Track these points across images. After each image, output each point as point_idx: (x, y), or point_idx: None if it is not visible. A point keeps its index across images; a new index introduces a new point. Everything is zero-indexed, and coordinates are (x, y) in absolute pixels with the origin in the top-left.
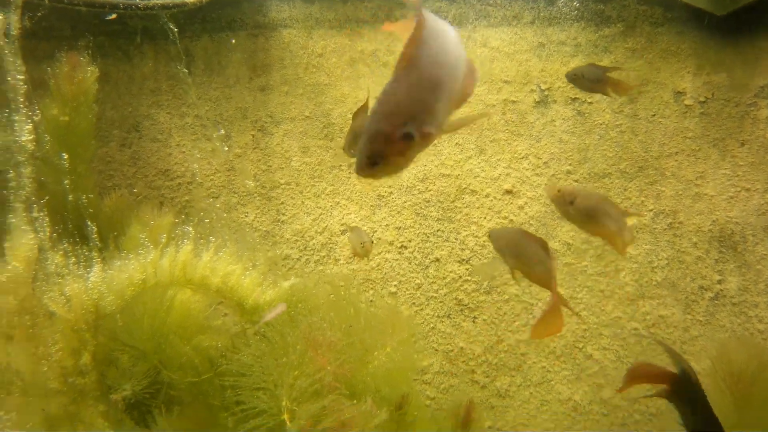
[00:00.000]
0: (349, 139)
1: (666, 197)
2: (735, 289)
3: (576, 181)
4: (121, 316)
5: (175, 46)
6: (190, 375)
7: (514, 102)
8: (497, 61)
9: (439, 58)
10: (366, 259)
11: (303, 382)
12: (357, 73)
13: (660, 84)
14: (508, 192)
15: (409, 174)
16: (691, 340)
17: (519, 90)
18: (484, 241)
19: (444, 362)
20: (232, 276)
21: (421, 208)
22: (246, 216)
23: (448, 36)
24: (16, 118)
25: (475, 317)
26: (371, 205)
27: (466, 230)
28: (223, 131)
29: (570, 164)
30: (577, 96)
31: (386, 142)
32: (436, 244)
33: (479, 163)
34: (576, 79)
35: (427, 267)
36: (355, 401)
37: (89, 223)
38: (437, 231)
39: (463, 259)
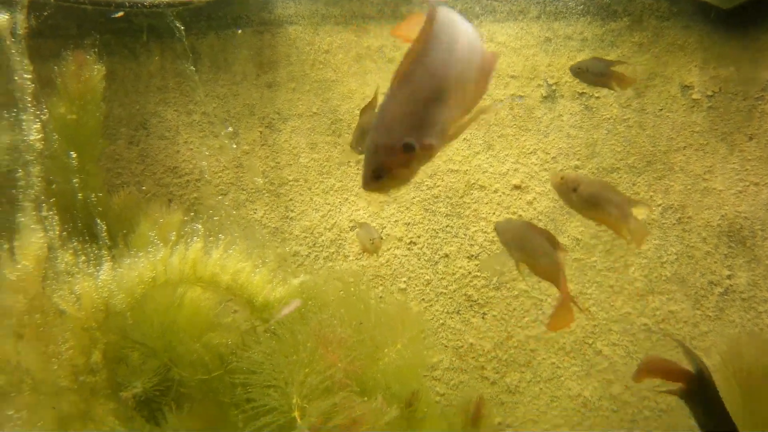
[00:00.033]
0: (357, 135)
1: (674, 192)
2: (744, 284)
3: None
4: (131, 314)
5: (182, 44)
6: (200, 372)
7: (521, 97)
8: (504, 56)
9: (447, 61)
10: (375, 255)
11: (313, 379)
12: (364, 69)
13: (667, 78)
14: (517, 187)
15: None
16: (700, 336)
17: (526, 85)
18: (493, 237)
19: (454, 358)
20: (242, 273)
21: (429, 203)
22: (255, 213)
23: (460, 34)
24: (24, 117)
25: (484, 313)
26: (380, 201)
27: (475, 226)
28: (230, 128)
29: (578, 159)
30: (584, 90)
31: (388, 155)
32: (445, 240)
33: (487, 158)
34: (580, 72)
35: (436, 263)
36: (365, 398)
37: (98, 221)
38: (446, 227)
39: (472, 255)
